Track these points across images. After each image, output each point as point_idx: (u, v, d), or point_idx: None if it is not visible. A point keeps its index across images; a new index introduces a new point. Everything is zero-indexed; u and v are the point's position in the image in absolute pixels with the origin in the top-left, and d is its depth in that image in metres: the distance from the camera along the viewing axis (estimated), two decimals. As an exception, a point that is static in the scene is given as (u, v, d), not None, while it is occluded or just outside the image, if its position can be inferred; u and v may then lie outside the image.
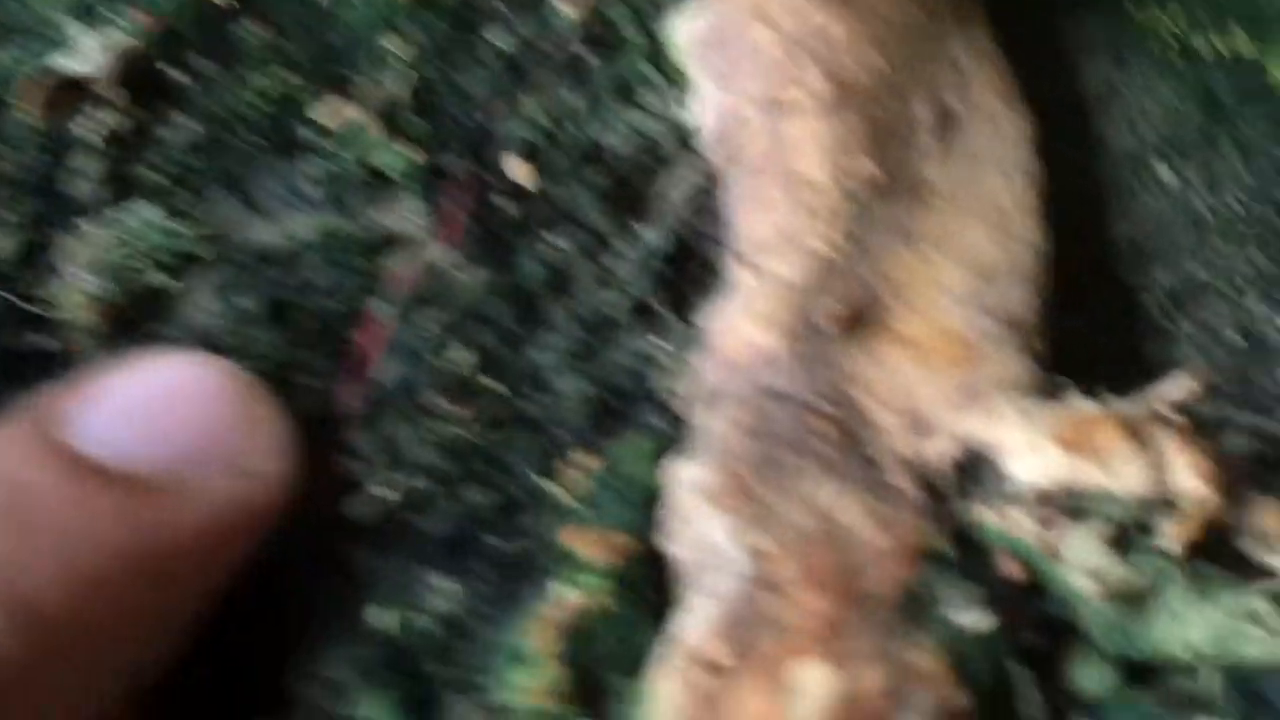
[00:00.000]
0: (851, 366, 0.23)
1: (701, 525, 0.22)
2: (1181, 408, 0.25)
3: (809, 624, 0.21)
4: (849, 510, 0.22)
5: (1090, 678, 0.22)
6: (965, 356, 0.23)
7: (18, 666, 0.18)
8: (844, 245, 0.24)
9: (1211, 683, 0.22)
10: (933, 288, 0.24)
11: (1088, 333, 0.27)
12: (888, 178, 0.25)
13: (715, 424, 0.23)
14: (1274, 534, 0.22)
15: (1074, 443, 0.22)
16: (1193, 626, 0.22)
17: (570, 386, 0.25)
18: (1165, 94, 0.29)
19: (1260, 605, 0.22)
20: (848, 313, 0.23)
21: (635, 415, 0.25)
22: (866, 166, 0.25)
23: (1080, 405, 0.23)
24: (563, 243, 0.27)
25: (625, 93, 0.29)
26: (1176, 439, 0.22)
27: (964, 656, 0.21)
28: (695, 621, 0.21)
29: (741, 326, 0.23)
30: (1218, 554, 0.22)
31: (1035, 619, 0.23)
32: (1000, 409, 0.23)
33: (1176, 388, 0.24)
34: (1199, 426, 0.25)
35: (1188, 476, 0.22)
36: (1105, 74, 0.30)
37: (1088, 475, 0.22)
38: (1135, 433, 0.22)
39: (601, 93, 0.29)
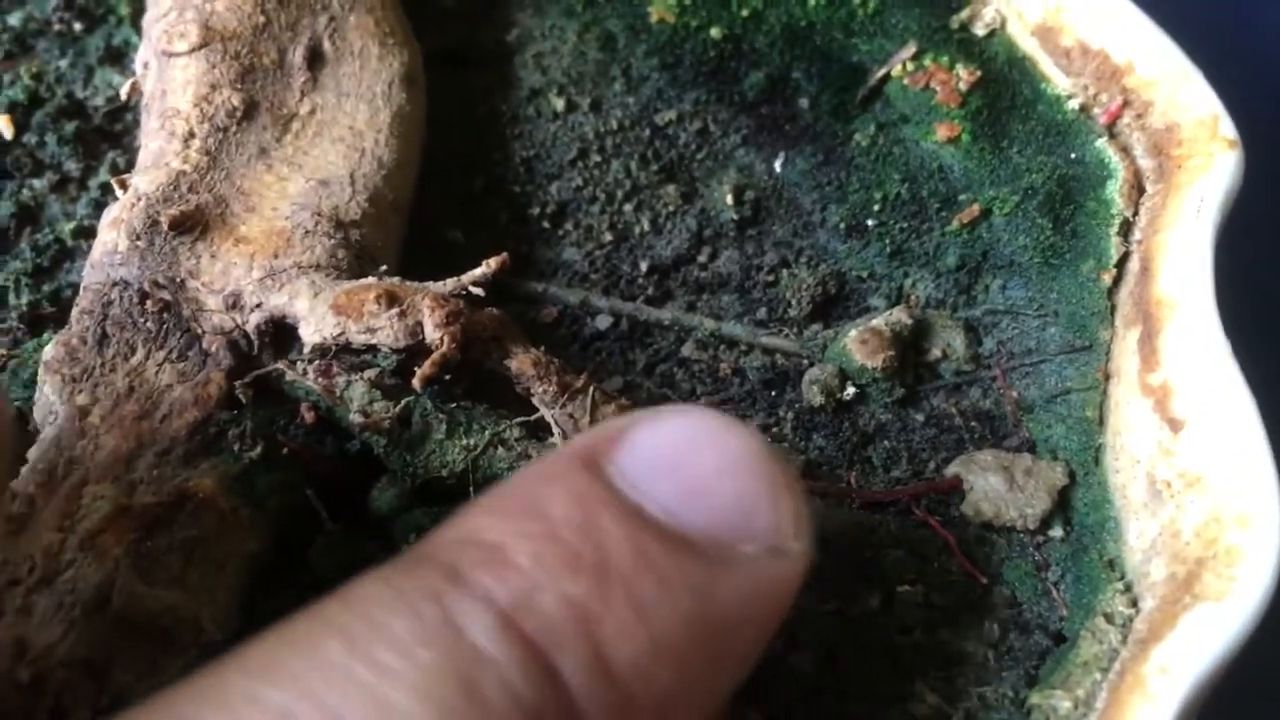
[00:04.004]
0: (188, 260, 0.28)
1: (44, 389, 0.26)
2: (531, 294, 0.29)
3: (105, 459, 0.25)
4: (162, 372, 0.26)
5: (384, 498, 0.26)
6: (282, 248, 0.28)
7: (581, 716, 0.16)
8: (200, 162, 0.29)
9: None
10: (279, 197, 0.29)
11: (485, 239, 0.32)
12: (252, 108, 0.29)
13: (73, 312, 0.27)
14: (527, 374, 0.27)
15: (345, 308, 0.26)
16: (449, 453, 0.26)
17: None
18: (570, 35, 0.34)
19: (512, 434, 0.26)
20: (183, 217, 0.27)
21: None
22: (229, 99, 0.29)
23: (364, 281, 0.27)
24: (36, 183, 0.32)
25: (115, 57, 0.34)
26: (430, 302, 0.26)
27: (248, 481, 0.26)
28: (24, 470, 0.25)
29: (103, 232, 0.28)
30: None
31: (338, 454, 0.27)
32: (297, 287, 0.27)
33: (482, 270, 0.28)
34: (559, 305, 0.29)
35: (432, 330, 0.26)
36: (525, 24, 0.34)
37: (354, 333, 0.26)
38: (397, 299, 0.27)
39: (91, 55, 0.34)
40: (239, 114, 0.29)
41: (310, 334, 0.27)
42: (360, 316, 0.26)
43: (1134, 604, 0.24)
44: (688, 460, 0.19)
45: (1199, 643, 0.21)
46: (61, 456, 0.25)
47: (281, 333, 0.27)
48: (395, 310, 0.26)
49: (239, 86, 0.29)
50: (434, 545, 0.17)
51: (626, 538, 0.17)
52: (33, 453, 0.25)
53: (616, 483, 0.18)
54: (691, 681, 0.17)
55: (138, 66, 0.31)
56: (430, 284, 0.28)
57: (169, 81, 0.29)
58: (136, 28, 0.34)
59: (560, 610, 0.17)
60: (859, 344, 0.28)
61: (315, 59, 0.30)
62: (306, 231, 0.28)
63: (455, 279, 0.28)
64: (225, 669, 0.15)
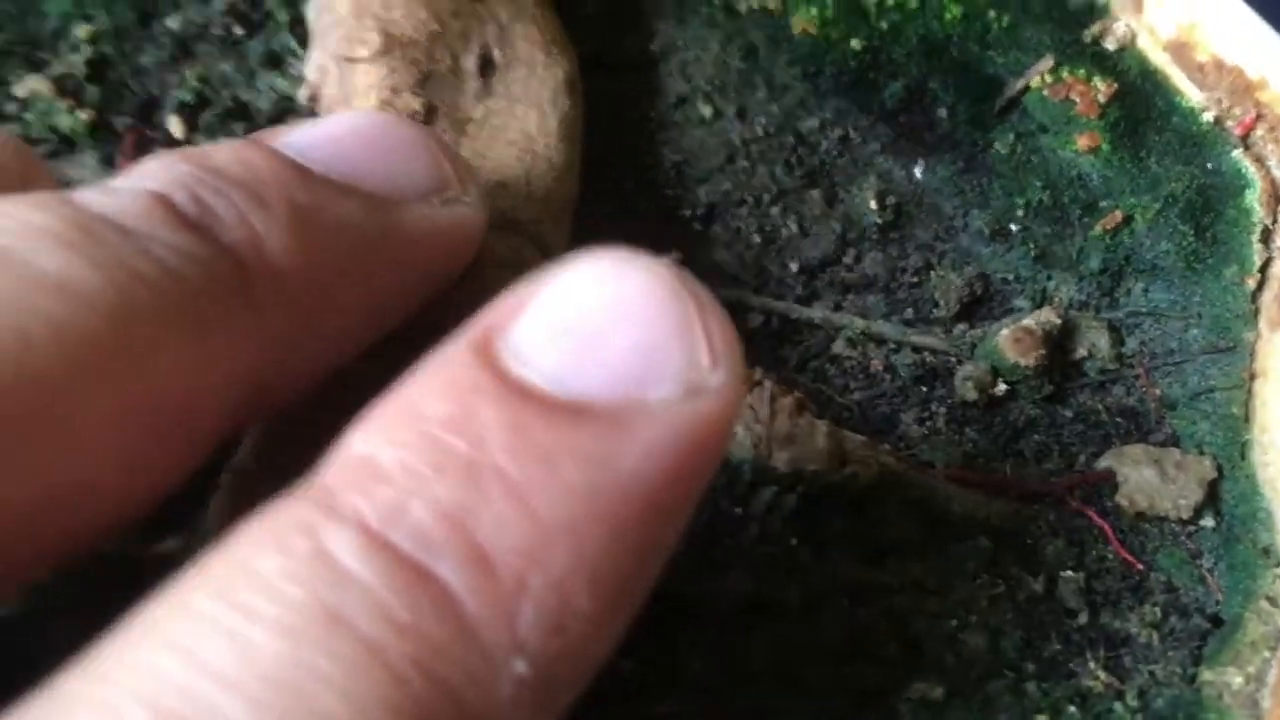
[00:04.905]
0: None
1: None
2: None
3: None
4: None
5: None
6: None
7: (471, 620, 0.16)
8: (385, 163, 0.30)
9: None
10: (459, 196, 0.30)
11: (638, 237, 0.33)
12: (431, 112, 0.31)
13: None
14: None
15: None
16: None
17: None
18: (713, 45, 0.35)
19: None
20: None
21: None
22: (410, 103, 0.31)
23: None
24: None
25: (274, 62, 0.35)
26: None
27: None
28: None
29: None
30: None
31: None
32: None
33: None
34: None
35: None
36: (669, 34, 0.36)
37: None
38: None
39: (253, 61, 0.35)
40: (420, 117, 0.30)
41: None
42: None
43: (1295, 587, 0.26)
44: (582, 316, 0.17)
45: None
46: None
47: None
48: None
49: (418, 91, 0.30)
50: (317, 471, 0.17)
51: (503, 423, 0.16)
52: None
53: (503, 361, 0.17)
54: (599, 555, 0.16)
55: (309, 71, 0.33)
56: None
57: (351, 86, 0.31)
58: (294, 34, 0.35)
59: (430, 516, 0.16)
60: (1012, 342, 0.29)
61: (486, 66, 0.31)
62: (495, 229, 0.29)
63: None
64: (104, 642, 0.15)
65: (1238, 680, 0.24)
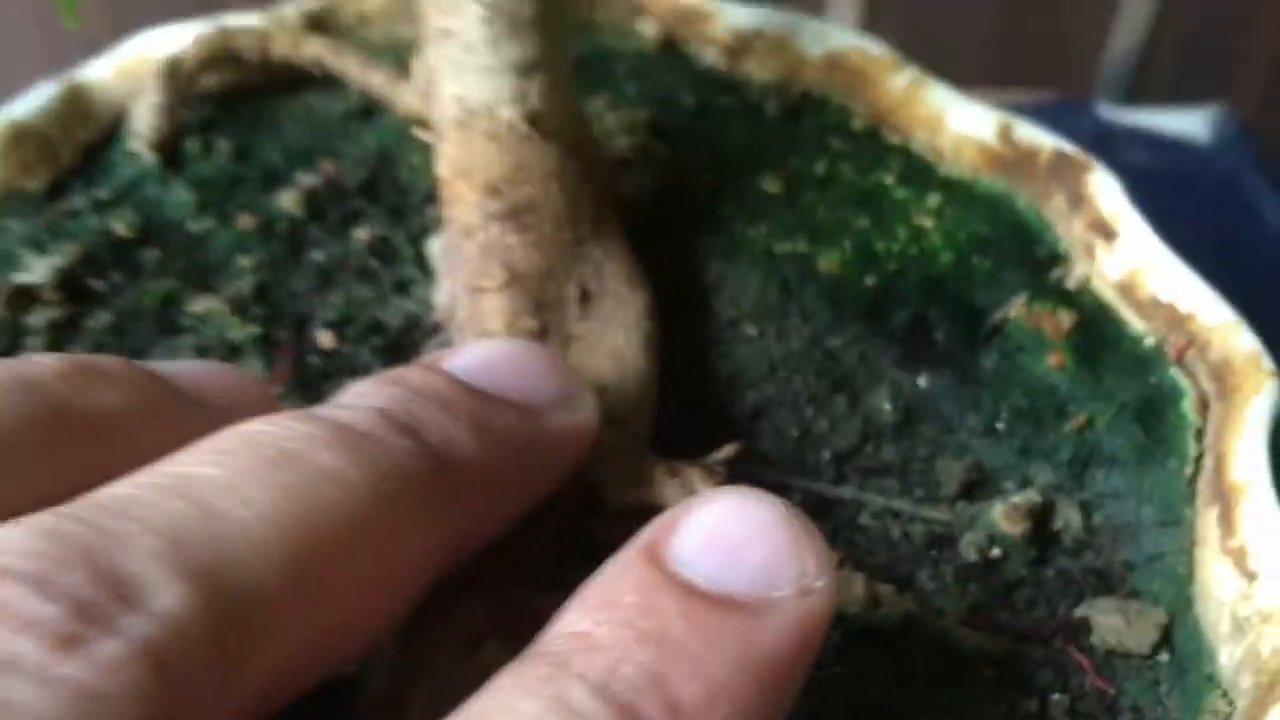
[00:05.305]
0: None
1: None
2: (747, 475, 0.39)
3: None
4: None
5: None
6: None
7: None
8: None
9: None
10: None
11: (698, 432, 0.41)
12: (544, 332, 0.39)
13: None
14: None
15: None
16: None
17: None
18: (755, 281, 0.44)
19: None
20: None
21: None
22: (529, 324, 0.39)
23: (650, 459, 0.36)
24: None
25: (402, 287, 0.44)
26: (700, 474, 0.36)
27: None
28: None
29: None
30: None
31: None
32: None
33: (723, 453, 0.37)
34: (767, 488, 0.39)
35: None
36: (719, 269, 0.45)
37: (646, 499, 0.35)
38: (677, 472, 0.36)
39: (385, 287, 0.44)
40: (535, 335, 0.38)
41: (612, 499, 0.36)
42: (651, 487, 0.36)
43: (1231, 704, 0.33)
44: (725, 535, 0.24)
45: (1285, 727, 0.30)
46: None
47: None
48: (677, 479, 0.36)
49: (534, 315, 0.39)
50: (544, 642, 0.24)
51: (680, 611, 0.22)
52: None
53: (671, 566, 0.23)
54: (749, 704, 0.22)
55: (441, 297, 0.41)
56: (692, 463, 0.37)
57: (480, 310, 0.39)
58: (418, 266, 0.44)
59: (638, 674, 0.22)
60: (1004, 516, 0.37)
61: (585, 296, 0.40)
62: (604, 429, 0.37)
63: (704, 460, 0.37)
64: None
65: (1191, 775, 0.31)
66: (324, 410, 0.28)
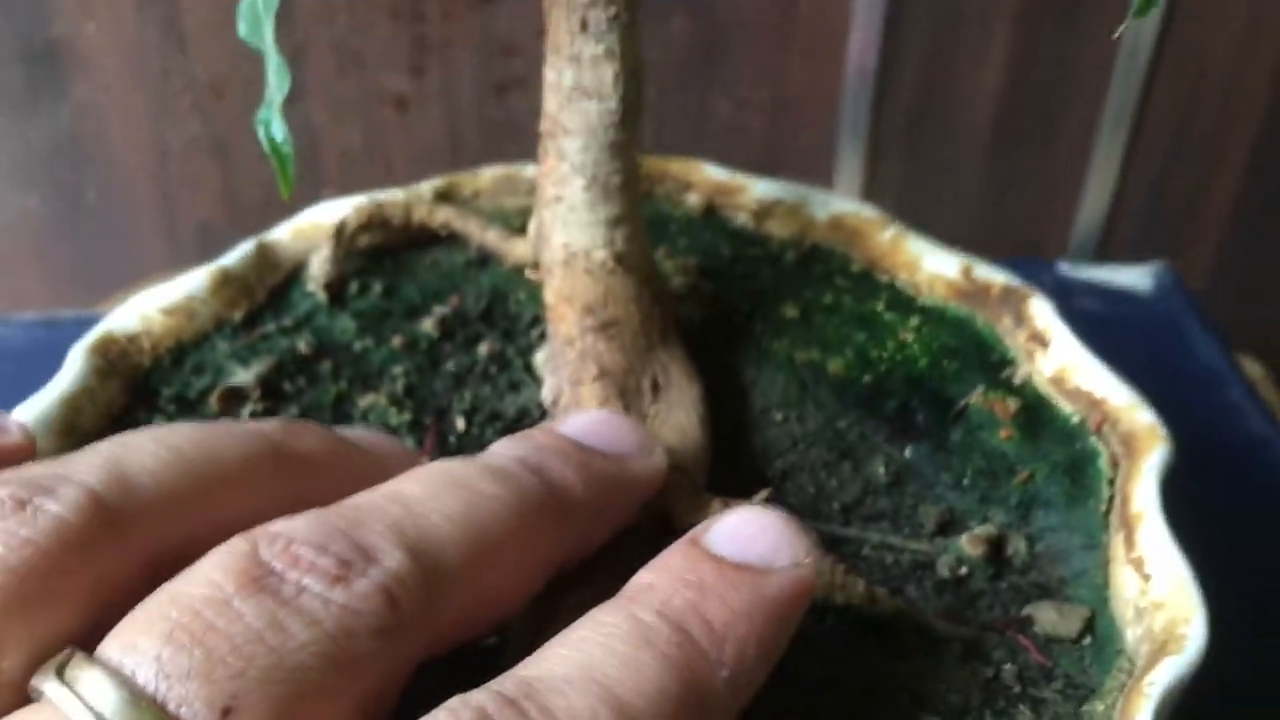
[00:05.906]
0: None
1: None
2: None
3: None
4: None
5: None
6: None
7: (703, 646, 0.29)
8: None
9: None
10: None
11: (740, 487, 0.55)
12: (627, 411, 0.53)
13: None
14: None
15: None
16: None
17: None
18: (780, 380, 0.58)
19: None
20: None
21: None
22: (616, 406, 0.53)
23: (707, 495, 0.50)
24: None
25: (514, 387, 0.58)
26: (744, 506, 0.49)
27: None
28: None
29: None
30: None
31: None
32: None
33: (758, 497, 0.51)
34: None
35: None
36: (753, 373, 0.58)
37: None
38: (727, 504, 0.49)
39: (502, 387, 0.58)
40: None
41: (678, 522, 0.49)
42: (708, 514, 0.49)
43: (1133, 666, 0.46)
44: (743, 529, 0.33)
45: (1167, 674, 0.42)
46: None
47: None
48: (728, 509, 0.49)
49: (619, 400, 0.53)
50: (626, 591, 0.31)
51: (712, 570, 0.31)
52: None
53: (706, 547, 0.32)
54: (760, 628, 0.30)
55: (548, 390, 0.55)
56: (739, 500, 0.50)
57: (579, 397, 0.53)
58: (526, 372, 0.58)
59: (683, 604, 0.30)
60: (970, 544, 0.50)
61: (655, 387, 0.54)
62: (674, 477, 0.51)
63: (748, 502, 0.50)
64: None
65: (1100, 708, 0.44)
66: (481, 456, 0.35)
